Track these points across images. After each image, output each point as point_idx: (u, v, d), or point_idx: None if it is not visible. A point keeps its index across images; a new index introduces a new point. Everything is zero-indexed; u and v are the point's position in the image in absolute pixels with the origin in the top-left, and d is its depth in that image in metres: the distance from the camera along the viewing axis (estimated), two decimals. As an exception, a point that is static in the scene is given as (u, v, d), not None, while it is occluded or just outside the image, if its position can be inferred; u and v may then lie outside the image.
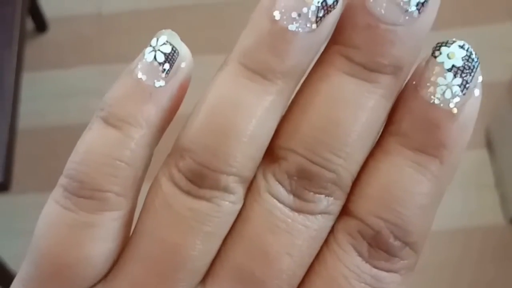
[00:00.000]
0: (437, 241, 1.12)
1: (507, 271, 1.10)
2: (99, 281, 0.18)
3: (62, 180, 0.18)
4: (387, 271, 0.17)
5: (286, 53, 0.16)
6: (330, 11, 0.16)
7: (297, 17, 0.16)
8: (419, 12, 0.16)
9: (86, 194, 0.18)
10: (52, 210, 0.18)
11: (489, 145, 1.17)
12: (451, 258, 1.11)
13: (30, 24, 1.31)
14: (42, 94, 1.30)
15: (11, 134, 0.95)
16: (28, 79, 1.21)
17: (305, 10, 0.16)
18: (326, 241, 0.17)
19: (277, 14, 0.16)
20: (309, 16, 0.16)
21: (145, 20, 1.37)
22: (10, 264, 1.03)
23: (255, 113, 0.16)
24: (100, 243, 0.17)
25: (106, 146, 0.18)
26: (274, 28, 0.16)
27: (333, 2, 0.16)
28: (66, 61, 1.33)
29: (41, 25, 1.34)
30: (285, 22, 0.16)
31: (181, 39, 0.18)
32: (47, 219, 0.18)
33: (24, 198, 1.19)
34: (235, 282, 0.16)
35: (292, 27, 0.16)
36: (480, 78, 0.17)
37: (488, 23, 1.31)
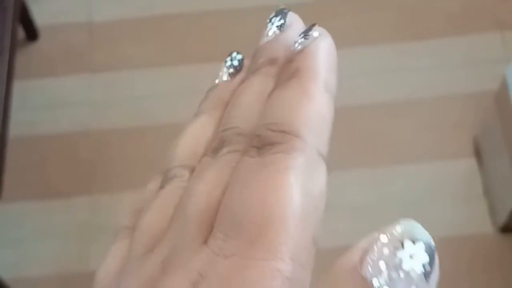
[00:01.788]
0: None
1: (497, 280, 1.11)
2: None
3: None
4: (272, 154, 0.18)
5: None
6: (239, 70, 0.25)
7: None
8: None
9: None
10: None
11: (478, 155, 1.18)
12: (440, 267, 1.11)
13: (20, 33, 1.31)
14: (32, 102, 1.30)
15: (2, 143, 0.94)
16: (18, 88, 1.21)
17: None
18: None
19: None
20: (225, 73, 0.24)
21: (136, 29, 1.37)
22: (1, 272, 1.03)
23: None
24: None
25: None
26: None
27: (239, 66, 0.25)
28: (57, 70, 1.33)
29: (32, 33, 1.34)
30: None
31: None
32: None
33: (13, 207, 1.18)
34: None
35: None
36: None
37: (477, 33, 1.32)
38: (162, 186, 0.22)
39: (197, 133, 0.23)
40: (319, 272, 0.17)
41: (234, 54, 0.25)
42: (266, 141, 0.19)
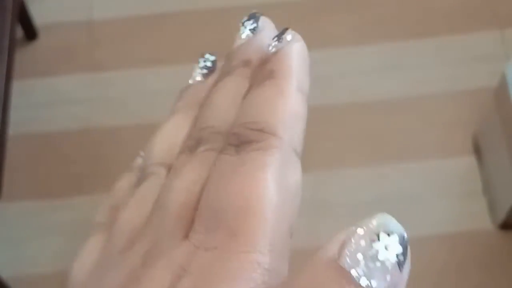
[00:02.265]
0: (426, 247, 1.12)
1: (496, 276, 1.11)
2: None
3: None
4: (251, 151, 0.19)
5: None
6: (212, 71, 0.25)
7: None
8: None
9: None
10: None
11: (477, 152, 1.18)
12: (440, 264, 1.11)
13: (19, 32, 1.31)
14: (31, 101, 1.30)
15: (2, 141, 0.95)
16: (18, 87, 1.21)
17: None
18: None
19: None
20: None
21: (135, 28, 1.37)
22: (0, 271, 1.03)
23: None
24: None
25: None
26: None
27: (212, 67, 0.25)
28: (56, 69, 1.33)
29: (31, 33, 1.34)
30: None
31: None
32: None
33: (13, 206, 1.18)
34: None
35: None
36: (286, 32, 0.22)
37: (476, 30, 1.32)
38: (139, 184, 0.23)
39: (173, 132, 0.24)
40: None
41: (207, 55, 0.26)
42: (243, 139, 0.20)
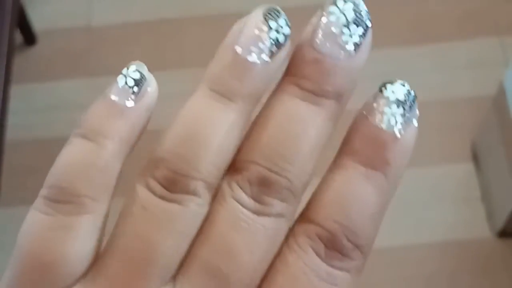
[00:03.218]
0: (424, 254, 1.12)
1: (494, 284, 1.11)
2: (78, 281, 0.20)
3: (43, 191, 0.21)
4: (340, 269, 0.19)
5: (246, 79, 0.20)
6: (281, 48, 0.20)
7: (255, 51, 0.20)
8: (355, 51, 0.20)
9: (64, 198, 0.20)
10: (33, 217, 0.20)
11: (476, 159, 1.18)
12: (438, 271, 1.11)
13: (18, 37, 1.31)
14: (30, 106, 1.30)
15: (0, 146, 0.94)
16: (16, 92, 1.21)
17: (261, 45, 0.20)
18: (287, 243, 0.20)
19: (238, 48, 0.20)
20: (265, 51, 0.20)
21: (134, 33, 1.37)
22: (-3, 277, 1.03)
23: (220, 127, 0.20)
24: (78, 244, 0.20)
25: (82, 155, 0.20)
26: (237, 59, 0.20)
27: (284, 41, 0.20)
28: (54, 74, 1.33)
29: (30, 38, 1.34)
30: (245, 55, 0.20)
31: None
32: (28, 224, 0.20)
33: (9, 211, 1.18)
34: (203, 276, 0.19)
35: (251, 58, 0.20)
36: (417, 112, 0.22)
37: (474, 38, 1.33)
38: (173, 198, 0.20)
39: (226, 140, 0.20)
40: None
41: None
42: (338, 247, 0.19)
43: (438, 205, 1.17)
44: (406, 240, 1.12)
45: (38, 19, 1.35)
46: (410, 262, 1.12)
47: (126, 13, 1.40)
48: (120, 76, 0.21)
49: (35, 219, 0.20)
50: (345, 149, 0.21)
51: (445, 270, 1.11)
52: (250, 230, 0.19)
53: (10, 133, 1.06)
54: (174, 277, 0.19)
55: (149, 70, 0.22)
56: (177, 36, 1.35)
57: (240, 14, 0.22)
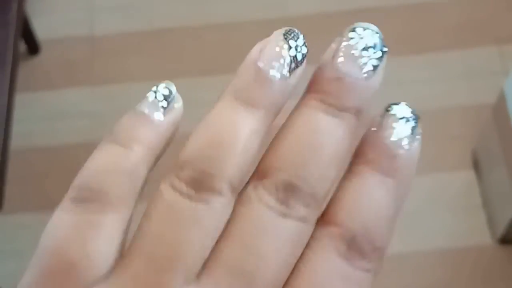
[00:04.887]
0: (425, 261, 1.12)
1: (495, 291, 1.11)
2: (102, 280, 0.20)
3: (70, 193, 0.22)
4: (362, 270, 0.20)
5: (267, 90, 0.21)
6: (299, 65, 0.22)
7: (276, 67, 0.22)
8: (373, 72, 0.22)
9: (91, 197, 0.21)
10: (58, 217, 0.21)
11: (476, 166, 1.19)
12: (439, 279, 1.11)
13: (22, 46, 1.32)
14: (33, 115, 1.31)
15: (3, 155, 0.95)
16: (20, 101, 1.22)
17: (282, 61, 0.22)
18: (310, 246, 0.21)
19: (261, 64, 0.22)
20: (285, 67, 0.22)
21: (136, 43, 1.38)
22: (1, 284, 1.03)
23: (245, 131, 0.21)
24: (102, 242, 0.20)
25: (111, 158, 0.22)
26: (260, 72, 0.22)
27: (301, 59, 0.22)
28: (58, 83, 1.34)
29: (33, 47, 1.35)
30: (267, 69, 0.22)
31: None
32: (53, 224, 0.21)
33: (13, 219, 1.19)
34: (228, 276, 0.19)
35: (272, 72, 0.21)
36: (420, 129, 0.23)
37: (475, 46, 1.33)
38: (198, 197, 0.20)
39: (250, 144, 0.21)
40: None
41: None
42: (359, 248, 0.20)
43: (439, 212, 1.17)
44: (407, 247, 1.13)
45: (41, 29, 1.36)
46: (411, 270, 1.12)
47: (128, 23, 1.40)
48: (150, 92, 0.24)
49: (61, 218, 0.21)
50: (359, 159, 0.22)
51: (445, 277, 1.12)
52: (275, 232, 0.20)
53: (15, 141, 1.07)
54: (198, 277, 0.20)
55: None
56: (178, 45, 1.36)
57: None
